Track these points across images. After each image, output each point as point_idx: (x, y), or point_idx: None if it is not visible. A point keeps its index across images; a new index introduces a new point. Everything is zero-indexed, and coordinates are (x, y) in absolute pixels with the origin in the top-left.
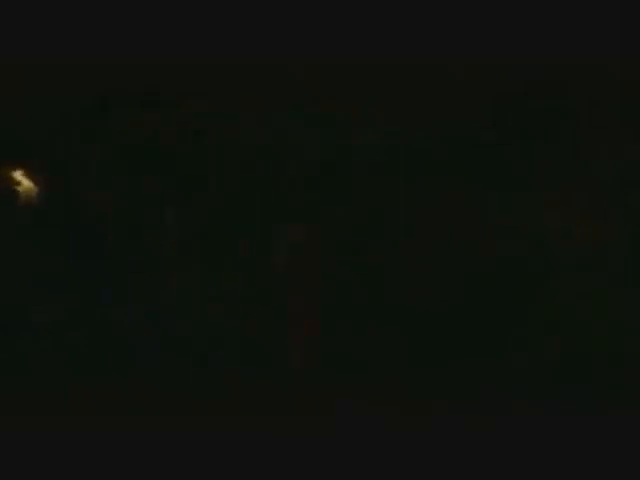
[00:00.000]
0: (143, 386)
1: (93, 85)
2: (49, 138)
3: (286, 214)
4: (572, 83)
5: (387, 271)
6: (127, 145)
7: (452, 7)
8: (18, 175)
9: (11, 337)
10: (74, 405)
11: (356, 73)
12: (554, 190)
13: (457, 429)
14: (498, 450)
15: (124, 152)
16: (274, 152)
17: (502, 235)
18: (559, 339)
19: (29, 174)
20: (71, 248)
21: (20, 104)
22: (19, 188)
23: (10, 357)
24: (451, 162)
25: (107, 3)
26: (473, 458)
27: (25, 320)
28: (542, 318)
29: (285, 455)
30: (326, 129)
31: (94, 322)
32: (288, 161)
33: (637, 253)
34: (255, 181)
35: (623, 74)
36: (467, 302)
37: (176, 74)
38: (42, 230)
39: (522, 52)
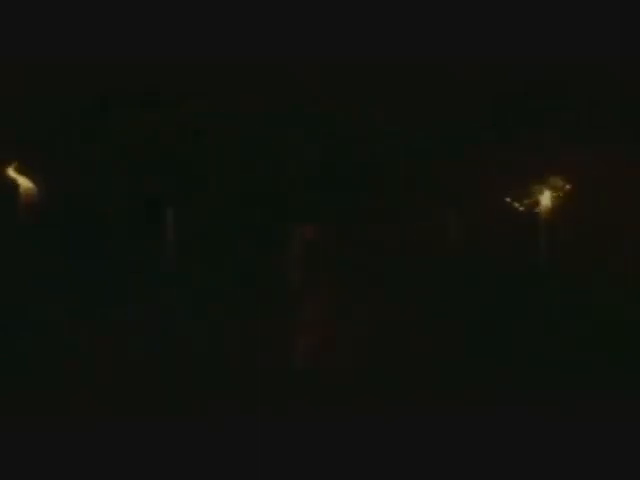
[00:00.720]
0: (143, 386)
1: (93, 85)
2: (49, 138)
3: (286, 214)
4: (572, 83)
5: (387, 271)
6: (127, 145)
7: (452, 7)
8: (18, 175)
9: (11, 337)
10: (74, 405)
11: (356, 73)
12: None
13: (457, 429)
14: (498, 450)
15: (124, 152)
16: (274, 152)
17: (502, 235)
18: (559, 339)
19: (29, 174)
20: (71, 248)
21: (20, 104)
22: (19, 188)
23: (10, 357)
24: (451, 162)
25: (107, 3)
26: (473, 458)
27: (25, 320)
28: (542, 318)
29: (285, 455)
30: (326, 129)
31: (94, 322)
32: (288, 161)
33: (637, 253)
34: (255, 181)
35: (623, 74)
36: (467, 302)
37: (176, 74)
38: (42, 230)
39: (522, 52)
